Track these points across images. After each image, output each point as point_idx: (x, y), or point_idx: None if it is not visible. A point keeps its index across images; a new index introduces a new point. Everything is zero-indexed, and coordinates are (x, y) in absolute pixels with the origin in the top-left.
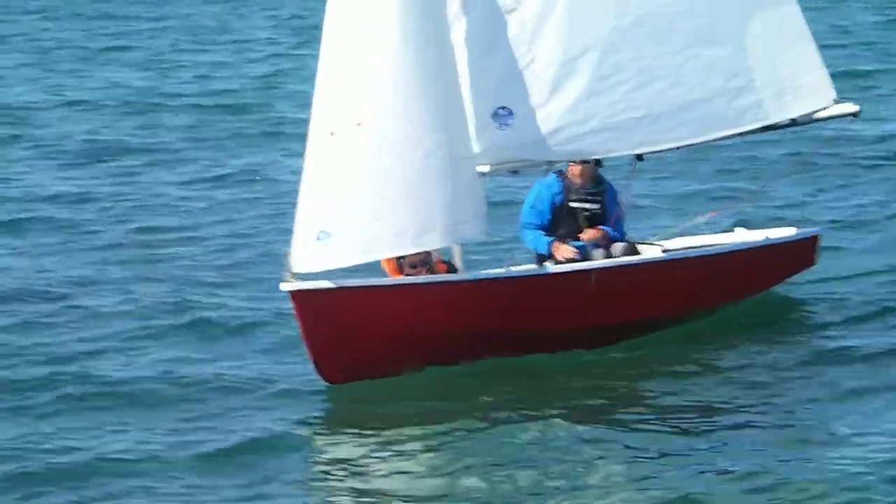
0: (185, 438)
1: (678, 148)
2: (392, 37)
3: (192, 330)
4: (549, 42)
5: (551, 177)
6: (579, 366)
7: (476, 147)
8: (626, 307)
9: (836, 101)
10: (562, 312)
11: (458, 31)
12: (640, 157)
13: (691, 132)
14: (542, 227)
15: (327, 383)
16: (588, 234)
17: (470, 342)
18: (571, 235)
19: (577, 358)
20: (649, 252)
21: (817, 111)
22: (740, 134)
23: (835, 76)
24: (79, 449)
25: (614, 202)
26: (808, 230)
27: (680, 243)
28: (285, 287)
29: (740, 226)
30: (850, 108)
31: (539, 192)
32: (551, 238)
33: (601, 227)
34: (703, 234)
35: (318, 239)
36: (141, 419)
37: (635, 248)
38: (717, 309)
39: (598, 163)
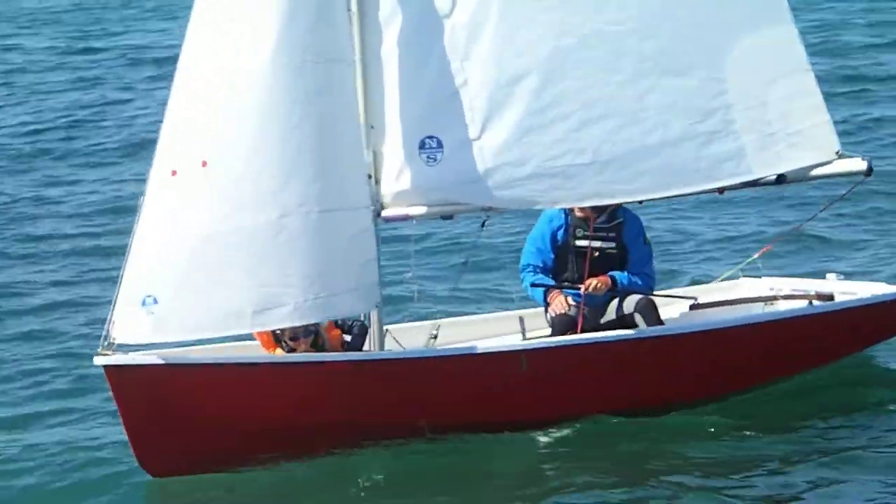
0: None
1: (641, 202)
2: (256, 54)
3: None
4: (483, 60)
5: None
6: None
7: (401, 184)
8: (580, 397)
9: (840, 155)
10: (472, 405)
11: (390, 38)
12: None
13: (649, 185)
14: (544, 270)
15: (149, 475)
16: (590, 283)
17: (330, 433)
18: (581, 280)
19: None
20: (675, 308)
21: (815, 167)
22: (718, 190)
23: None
24: None
25: (636, 240)
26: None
27: (730, 293)
28: (99, 361)
29: (832, 271)
30: (859, 164)
31: (540, 227)
32: (550, 285)
33: (612, 273)
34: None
35: (144, 304)
36: None
37: (653, 303)
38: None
39: None
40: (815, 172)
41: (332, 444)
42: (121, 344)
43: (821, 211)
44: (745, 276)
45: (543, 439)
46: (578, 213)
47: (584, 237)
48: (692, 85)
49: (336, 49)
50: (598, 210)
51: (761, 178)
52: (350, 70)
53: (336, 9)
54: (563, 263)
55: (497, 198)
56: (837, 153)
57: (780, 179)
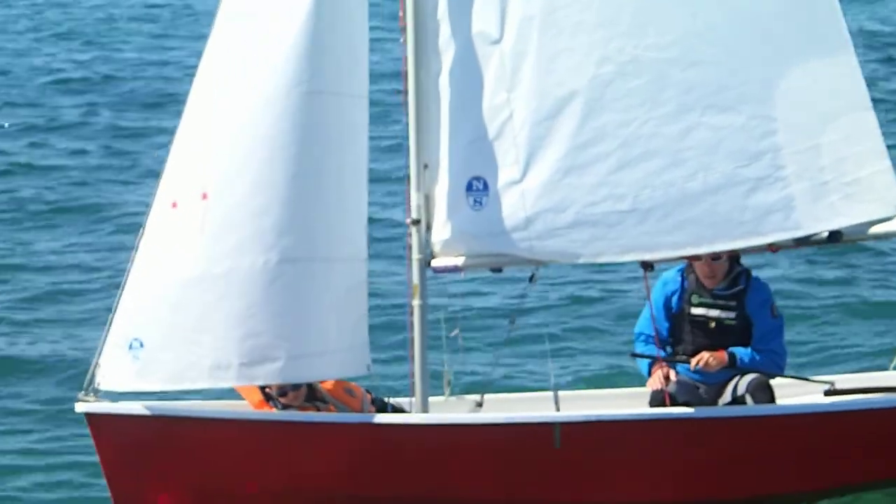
0: None
1: (683, 259)
2: (271, 77)
3: None
4: (526, 90)
5: (673, 270)
6: None
7: (450, 231)
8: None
9: None
10: (492, 484)
11: (446, 67)
12: (648, 266)
13: (693, 238)
14: (659, 340)
15: None
16: (702, 358)
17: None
18: (694, 353)
19: None
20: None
21: (875, 223)
22: (769, 248)
23: None
24: None
25: (762, 311)
26: None
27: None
28: (80, 408)
29: None
30: None
31: (655, 291)
32: (653, 356)
33: (732, 349)
34: None
35: (131, 348)
36: None
37: (767, 384)
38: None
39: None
40: (873, 230)
41: None
42: (105, 390)
43: None
44: None
45: None
46: (698, 277)
47: (701, 304)
48: (738, 122)
49: (354, 83)
50: (710, 273)
51: (813, 235)
52: (363, 106)
53: (358, 38)
54: (679, 334)
55: (538, 249)
56: None
57: (834, 237)
